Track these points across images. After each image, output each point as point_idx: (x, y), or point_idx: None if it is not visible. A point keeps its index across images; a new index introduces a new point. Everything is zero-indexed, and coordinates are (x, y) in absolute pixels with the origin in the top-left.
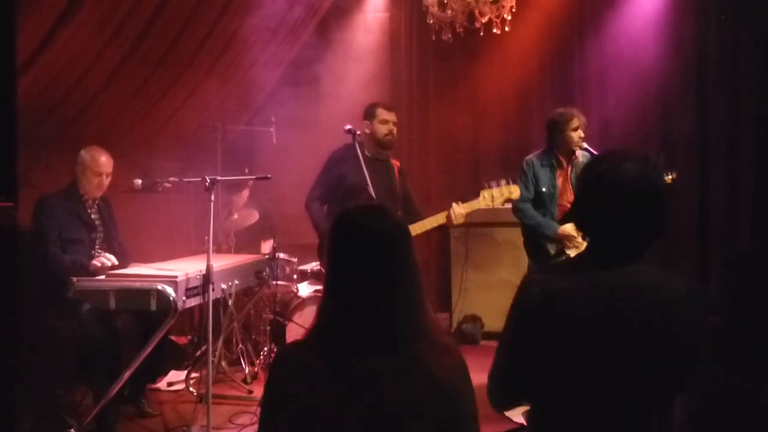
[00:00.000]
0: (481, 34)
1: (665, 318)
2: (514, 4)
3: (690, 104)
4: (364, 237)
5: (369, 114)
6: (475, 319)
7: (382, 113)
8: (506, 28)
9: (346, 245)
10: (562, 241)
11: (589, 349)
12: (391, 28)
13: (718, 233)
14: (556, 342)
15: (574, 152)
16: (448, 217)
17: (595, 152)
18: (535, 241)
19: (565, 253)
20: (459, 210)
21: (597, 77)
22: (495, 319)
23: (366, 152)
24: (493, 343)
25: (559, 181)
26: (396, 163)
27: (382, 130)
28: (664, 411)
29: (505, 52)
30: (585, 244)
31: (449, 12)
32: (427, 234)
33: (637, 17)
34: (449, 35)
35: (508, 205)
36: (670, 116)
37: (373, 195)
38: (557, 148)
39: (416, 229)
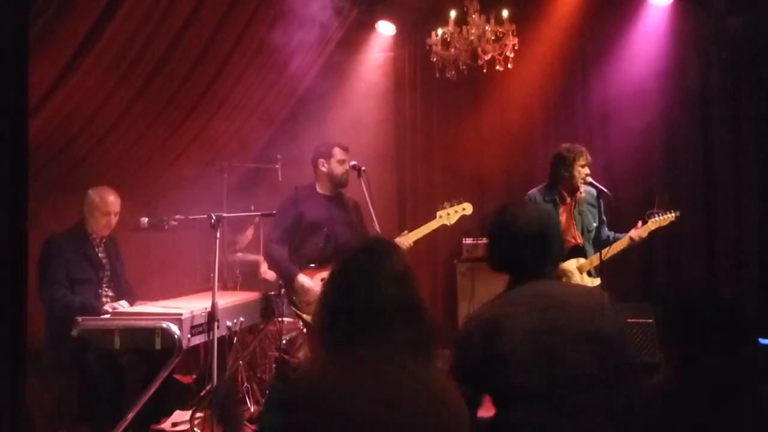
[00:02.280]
0: (484, 71)
1: (588, 316)
2: (516, 42)
3: (694, 138)
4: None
5: (325, 153)
6: None
7: (339, 153)
8: (509, 66)
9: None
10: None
11: (532, 357)
12: (396, 67)
13: (725, 265)
14: (503, 360)
15: (578, 188)
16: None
17: (601, 187)
18: None
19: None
20: (405, 241)
21: (600, 113)
22: None
23: (320, 191)
24: None
25: (563, 217)
26: (350, 200)
27: (339, 169)
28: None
29: (508, 89)
30: (584, 279)
31: (452, 50)
32: (433, 269)
33: (640, 54)
34: (453, 73)
35: None
36: (674, 150)
37: (334, 230)
38: (561, 183)
39: None
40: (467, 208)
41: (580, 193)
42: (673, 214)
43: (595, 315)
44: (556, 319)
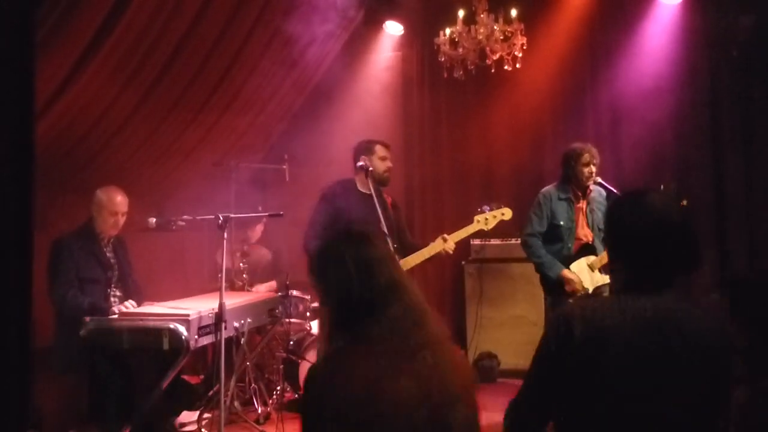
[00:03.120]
0: (493, 71)
1: (699, 347)
2: (524, 42)
3: (704, 136)
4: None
5: (367, 150)
6: (491, 356)
7: (381, 150)
8: (517, 65)
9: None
10: (563, 284)
11: (626, 377)
12: (404, 67)
13: (737, 257)
14: (593, 372)
15: (587, 187)
16: (440, 252)
17: (610, 187)
18: (548, 276)
19: (585, 288)
20: (450, 241)
21: (609, 112)
22: (511, 356)
23: (359, 188)
24: (510, 381)
25: (577, 216)
26: (388, 198)
27: (381, 166)
28: None
29: (516, 89)
30: (594, 281)
31: (460, 50)
32: (441, 270)
33: (649, 53)
34: (461, 72)
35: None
36: (684, 148)
37: (385, 230)
38: (569, 181)
39: (412, 261)
40: (506, 214)
41: (590, 191)
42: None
43: (708, 345)
44: (658, 339)
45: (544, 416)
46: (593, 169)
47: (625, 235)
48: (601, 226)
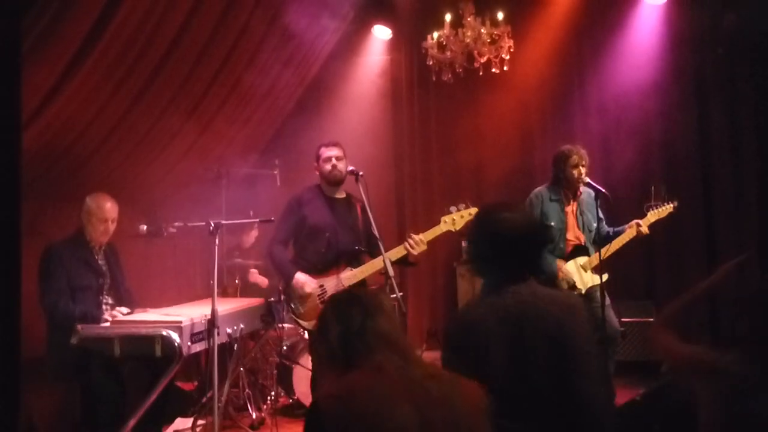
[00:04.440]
0: (481, 73)
1: (554, 321)
2: (512, 44)
3: (691, 135)
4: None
5: (315, 156)
6: None
7: (323, 152)
8: (505, 68)
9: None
10: (561, 281)
11: (501, 358)
12: (392, 71)
13: (725, 257)
14: (477, 360)
15: (577, 188)
16: (407, 248)
17: (599, 187)
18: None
19: (577, 289)
20: (416, 237)
21: (597, 112)
22: None
23: (325, 193)
24: None
25: (568, 217)
26: (358, 202)
27: (326, 167)
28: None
29: (505, 91)
30: (585, 283)
31: (448, 53)
32: (433, 273)
33: (636, 52)
34: (449, 76)
35: None
36: (672, 147)
37: (336, 235)
38: (559, 183)
39: (378, 264)
40: (474, 213)
41: (580, 193)
42: (671, 205)
43: (565, 320)
44: (528, 325)
45: None
46: (582, 170)
47: (483, 244)
48: (592, 228)
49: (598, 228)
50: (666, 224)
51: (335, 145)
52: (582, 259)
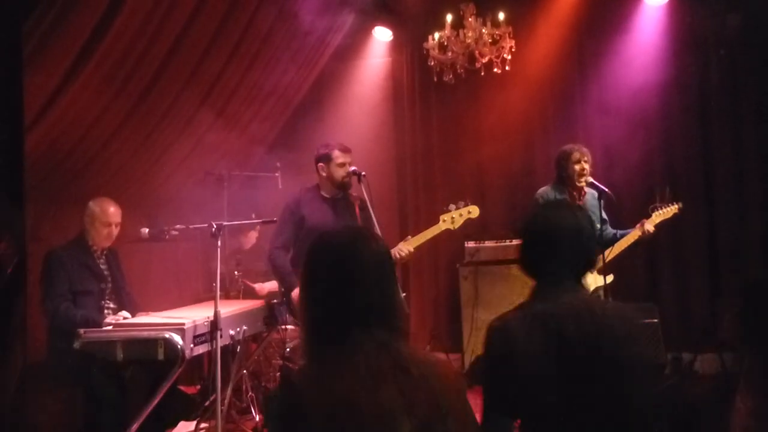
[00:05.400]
0: (482, 74)
1: (608, 337)
2: (513, 44)
3: (693, 136)
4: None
5: (325, 158)
6: None
7: (338, 156)
8: (506, 68)
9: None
10: None
11: (539, 377)
12: (394, 72)
13: (728, 259)
14: (516, 377)
15: (581, 187)
16: (395, 256)
17: (602, 187)
18: None
19: None
20: (406, 246)
21: (599, 113)
22: None
23: (323, 193)
24: None
25: None
26: (356, 201)
27: (339, 173)
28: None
29: (506, 91)
30: (589, 284)
31: (450, 54)
32: (436, 273)
33: (637, 54)
34: (450, 76)
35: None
36: (674, 148)
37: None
38: (563, 182)
39: None
40: (473, 211)
41: (584, 193)
42: (676, 206)
43: (615, 335)
44: (569, 335)
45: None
46: (585, 166)
47: (535, 247)
48: (596, 229)
49: (602, 230)
50: (669, 226)
51: (349, 151)
52: None
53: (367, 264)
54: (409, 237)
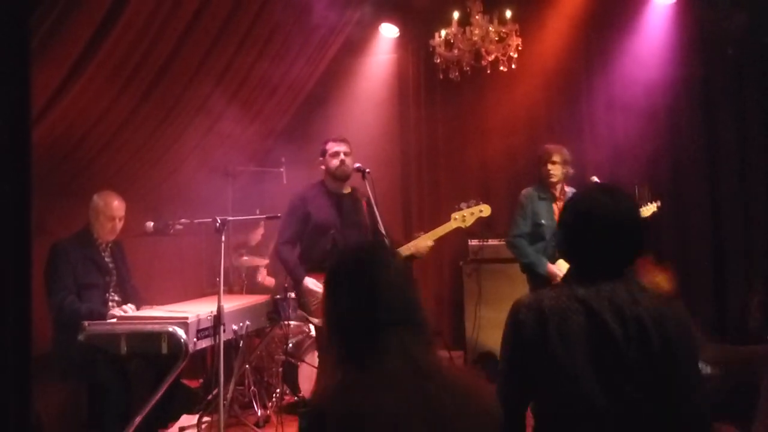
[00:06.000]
0: (488, 72)
1: (643, 328)
2: (519, 43)
3: (698, 135)
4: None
5: (322, 152)
6: (489, 356)
7: (331, 146)
8: (512, 66)
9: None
10: (550, 280)
11: (576, 358)
12: (399, 69)
13: (733, 258)
14: (549, 354)
15: (552, 185)
16: (414, 251)
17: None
18: (536, 275)
19: None
20: (424, 242)
21: (605, 112)
22: None
23: (329, 189)
24: None
25: (556, 213)
26: (363, 197)
27: (333, 162)
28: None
29: (512, 89)
30: None
31: (456, 51)
32: (440, 271)
33: (644, 52)
34: (456, 74)
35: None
36: (679, 148)
37: (342, 232)
38: (542, 182)
39: None
40: (485, 210)
41: (565, 192)
42: (655, 205)
43: (653, 327)
44: (604, 321)
45: (521, 393)
46: (550, 168)
47: (577, 231)
48: None
49: None
50: (672, 227)
51: (343, 140)
52: None
53: (391, 272)
54: (421, 233)
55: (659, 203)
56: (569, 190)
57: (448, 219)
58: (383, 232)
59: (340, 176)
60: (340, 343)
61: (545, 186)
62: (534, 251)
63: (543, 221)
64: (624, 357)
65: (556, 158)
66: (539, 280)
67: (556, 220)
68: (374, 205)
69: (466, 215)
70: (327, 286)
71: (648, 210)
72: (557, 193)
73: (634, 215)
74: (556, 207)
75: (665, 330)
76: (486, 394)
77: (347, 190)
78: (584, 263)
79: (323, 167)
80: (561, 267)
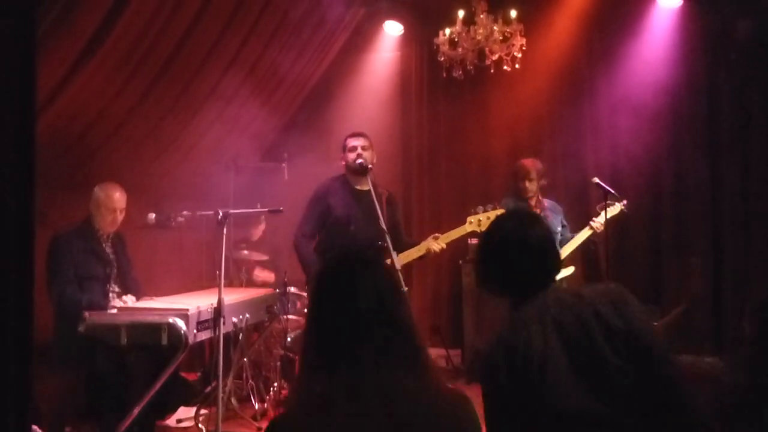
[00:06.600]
0: (492, 71)
1: (601, 320)
2: (524, 42)
3: (701, 137)
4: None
5: (342, 147)
6: None
7: (349, 141)
8: (516, 66)
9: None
10: None
11: (559, 374)
12: (403, 67)
13: (732, 269)
14: (531, 387)
15: (534, 199)
16: (428, 251)
17: (608, 188)
18: None
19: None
20: (441, 241)
21: (608, 114)
22: None
23: (350, 183)
24: None
25: None
26: (384, 193)
27: (350, 156)
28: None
29: (515, 89)
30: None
31: (460, 50)
32: (438, 269)
33: (648, 55)
34: (460, 72)
35: None
36: (682, 151)
37: (360, 229)
38: (519, 194)
39: (403, 259)
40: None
41: (541, 201)
42: (621, 205)
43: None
44: (579, 319)
45: None
46: (526, 184)
47: (498, 258)
48: (555, 230)
49: (562, 232)
50: (673, 227)
51: (361, 135)
52: None
53: (373, 283)
54: (438, 235)
55: (625, 202)
56: (547, 202)
57: (449, 218)
58: (384, 228)
59: (357, 169)
60: (314, 349)
61: (522, 198)
62: None
63: None
64: (601, 352)
65: (532, 175)
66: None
67: None
68: (376, 201)
69: (482, 219)
70: (310, 288)
71: (616, 209)
72: (533, 204)
73: (534, 235)
74: None
75: (623, 311)
76: (466, 416)
77: (367, 186)
78: (517, 283)
79: (343, 162)
80: None
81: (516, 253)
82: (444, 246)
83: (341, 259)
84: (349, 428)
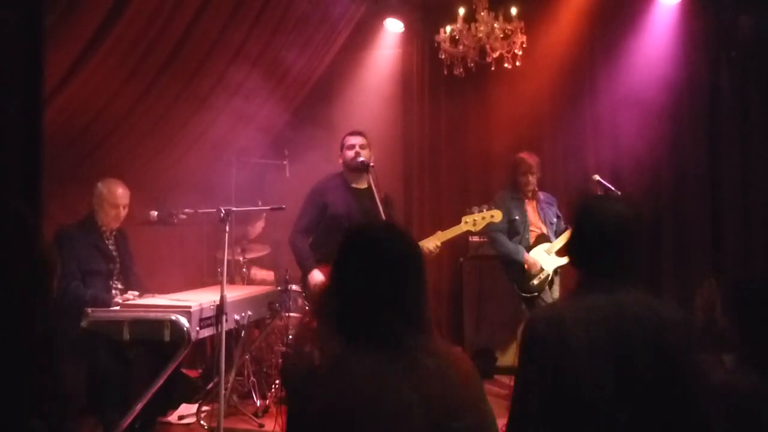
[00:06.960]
0: (493, 68)
1: (661, 338)
2: (524, 40)
3: (702, 136)
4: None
5: (340, 146)
6: (487, 352)
7: (347, 140)
8: (517, 63)
9: (357, 262)
10: (525, 267)
11: (595, 372)
12: (404, 64)
13: (733, 268)
14: (565, 369)
15: (525, 192)
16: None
17: (610, 186)
18: (512, 265)
19: (545, 271)
20: (433, 242)
21: (608, 111)
22: (509, 354)
23: (348, 182)
24: (508, 378)
25: (529, 212)
26: (381, 193)
27: (348, 154)
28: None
29: (516, 87)
30: (550, 265)
31: (461, 47)
32: (439, 267)
33: (649, 52)
34: (461, 70)
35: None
36: (682, 148)
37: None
38: (516, 187)
39: None
40: (496, 216)
41: (537, 191)
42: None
43: (670, 337)
44: (623, 332)
45: (538, 415)
46: (530, 179)
47: (587, 240)
48: (552, 221)
49: (557, 223)
50: (673, 223)
51: (360, 133)
52: (545, 245)
53: (396, 258)
54: (439, 232)
55: (619, 193)
56: (542, 194)
57: (450, 215)
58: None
59: (355, 167)
60: (331, 321)
61: (519, 191)
62: (512, 242)
63: (516, 217)
64: (643, 367)
65: (534, 169)
66: (515, 269)
67: (528, 216)
68: (377, 199)
69: (477, 219)
70: (333, 264)
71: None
72: (529, 195)
73: (641, 221)
74: (529, 205)
75: (679, 339)
76: (462, 357)
77: (365, 185)
78: (600, 272)
79: (341, 160)
80: (538, 255)
81: (618, 232)
82: (439, 244)
83: (372, 227)
84: (368, 381)
